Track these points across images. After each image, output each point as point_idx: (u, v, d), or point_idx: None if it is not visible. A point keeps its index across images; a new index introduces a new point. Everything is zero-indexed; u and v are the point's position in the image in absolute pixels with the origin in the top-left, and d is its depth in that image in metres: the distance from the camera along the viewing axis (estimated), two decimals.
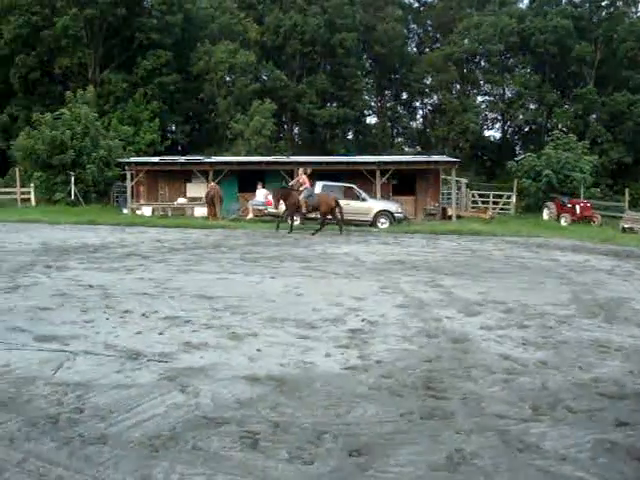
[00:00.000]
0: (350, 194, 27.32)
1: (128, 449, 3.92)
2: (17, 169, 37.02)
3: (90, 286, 9.79)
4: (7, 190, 37.14)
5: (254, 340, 6.64)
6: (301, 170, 24.06)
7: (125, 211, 31.35)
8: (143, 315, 7.76)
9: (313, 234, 21.62)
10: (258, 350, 6.24)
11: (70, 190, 34.04)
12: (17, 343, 6.27)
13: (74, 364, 5.67)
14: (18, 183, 35.59)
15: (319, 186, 27.09)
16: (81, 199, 33.88)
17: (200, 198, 30.76)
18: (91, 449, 3.92)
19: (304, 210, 23.14)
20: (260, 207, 27.80)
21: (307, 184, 23.35)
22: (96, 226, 23.43)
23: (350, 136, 62.31)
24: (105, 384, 5.12)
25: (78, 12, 47.09)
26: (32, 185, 35.53)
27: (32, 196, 35.23)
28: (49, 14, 48.88)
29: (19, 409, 4.54)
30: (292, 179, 30.39)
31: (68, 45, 48.97)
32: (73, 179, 33.89)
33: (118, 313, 7.84)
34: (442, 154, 42.70)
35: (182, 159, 33.55)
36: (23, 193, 35.53)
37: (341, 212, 23.03)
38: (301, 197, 22.68)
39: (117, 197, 35.93)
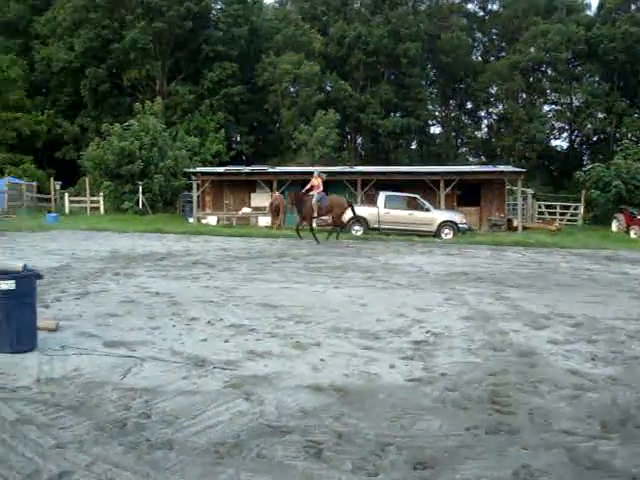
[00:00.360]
0: (414, 204, 27.20)
1: (194, 455, 3.96)
2: (87, 179, 38.08)
3: (157, 293, 9.99)
4: (77, 199, 38.20)
5: (318, 350, 6.65)
6: (315, 173, 23.67)
7: (191, 220, 31.87)
8: (208, 323, 7.86)
9: (330, 237, 22.48)
10: (322, 360, 6.24)
11: (138, 199, 34.80)
12: (87, 348, 6.42)
13: (141, 370, 5.77)
14: (88, 192, 36.58)
15: (382, 196, 27.06)
16: (148, 208, 34.60)
17: (264, 208, 31.05)
18: (158, 454, 3.97)
19: (315, 214, 22.90)
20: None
21: (320, 188, 22.91)
22: (163, 235, 23.89)
23: (414, 146, 62.07)
24: (171, 390, 5.20)
25: (147, 25, 48.23)
26: (101, 194, 36.50)
27: (101, 205, 36.19)
28: (118, 28, 50.19)
29: (88, 413, 4.63)
30: (355, 189, 30.49)
31: (137, 58, 50.14)
32: (141, 188, 34.64)
33: (184, 320, 7.96)
34: (507, 164, 42.05)
35: (247, 169, 33.90)
36: (92, 202, 36.51)
37: (353, 215, 24.02)
38: (313, 201, 22.48)
39: (183, 206, 36.53)
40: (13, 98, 50.99)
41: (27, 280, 6.30)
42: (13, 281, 6.08)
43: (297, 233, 22.79)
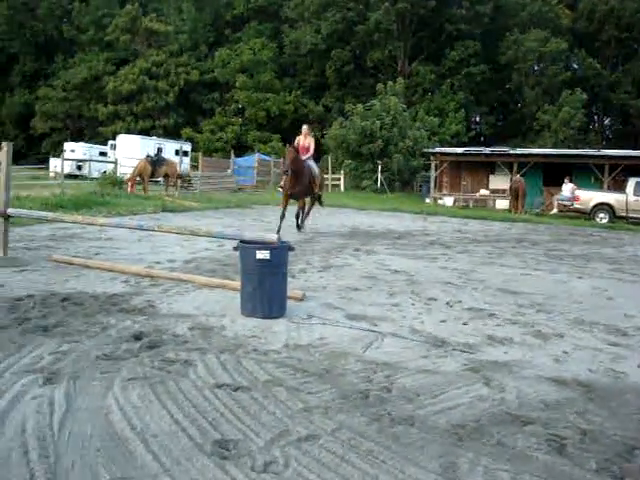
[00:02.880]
0: None
1: (434, 434, 3.99)
2: (329, 157, 39.63)
3: (396, 271, 10.19)
4: None
5: (560, 341, 6.40)
6: (305, 127, 15.99)
7: (427, 200, 32.05)
8: (447, 304, 7.87)
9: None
10: (564, 352, 6.00)
11: (376, 178, 35.61)
12: (330, 319, 6.70)
13: (382, 344, 5.91)
14: (330, 170, 38.08)
15: (632, 182, 25.35)
16: (386, 187, 35.27)
17: (503, 190, 30.42)
18: (399, 429, 4.04)
19: (317, 190, 16.31)
20: (566, 202, 26.67)
21: (311, 151, 15.74)
22: (399, 213, 24.27)
23: None
24: (411, 367, 5.27)
25: (390, 6, 48.87)
26: (342, 172, 37.84)
27: (342, 182, 37.51)
28: (363, 9, 51.39)
29: (333, 381, 4.83)
30: (602, 174, 28.81)
31: (380, 39, 51.14)
32: (380, 167, 35.39)
33: (423, 300, 8.04)
34: None
35: (486, 150, 33.37)
36: (334, 179, 37.95)
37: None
38: (316, 172, 16.06)
39: (420, 186, 36.84)
40: (264, 80, 54.44)
41: (280, 251, 6.74)
42: (268, 252, 6.53)
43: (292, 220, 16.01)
